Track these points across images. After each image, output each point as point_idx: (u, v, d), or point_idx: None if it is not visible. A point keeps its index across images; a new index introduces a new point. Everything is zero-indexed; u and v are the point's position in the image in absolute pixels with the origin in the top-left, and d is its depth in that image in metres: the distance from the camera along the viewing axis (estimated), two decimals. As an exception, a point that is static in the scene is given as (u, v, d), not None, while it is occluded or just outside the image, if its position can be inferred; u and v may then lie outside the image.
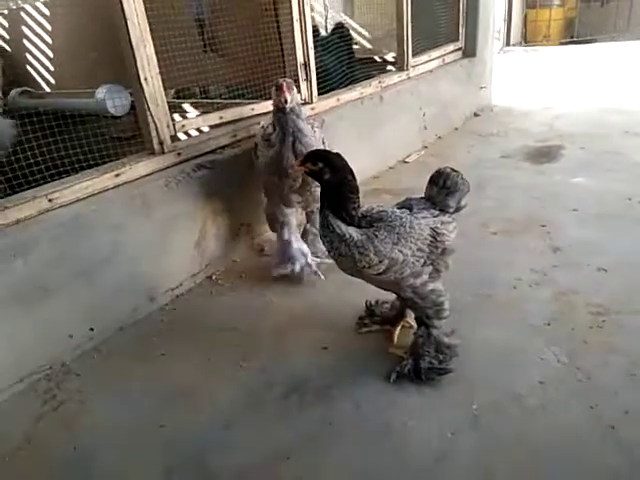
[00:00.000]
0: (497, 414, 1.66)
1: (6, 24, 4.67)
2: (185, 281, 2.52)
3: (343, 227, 1.69)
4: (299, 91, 3.13)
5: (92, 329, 2.18)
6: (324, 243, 1.75)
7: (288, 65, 3.15)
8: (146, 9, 2.27)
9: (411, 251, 1.72)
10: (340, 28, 4.40)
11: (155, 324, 2.29)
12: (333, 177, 1.69)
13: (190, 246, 2.52)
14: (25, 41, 4.57)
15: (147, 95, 2.29)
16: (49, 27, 4.34)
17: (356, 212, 1.71)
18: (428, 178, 1.88)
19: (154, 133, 2.36)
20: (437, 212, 1.81)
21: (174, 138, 2.48)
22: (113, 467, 1.62)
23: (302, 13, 3.00)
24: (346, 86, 3.72)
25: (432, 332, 1.86)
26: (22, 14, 4.52)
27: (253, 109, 2.89)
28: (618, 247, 2.56)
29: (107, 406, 1.86)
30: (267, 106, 2.95)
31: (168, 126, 2.44)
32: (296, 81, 3.13)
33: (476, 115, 5.27)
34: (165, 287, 2.44)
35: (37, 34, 4.35)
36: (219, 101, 3.00)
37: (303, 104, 3.17)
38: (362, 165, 3.67)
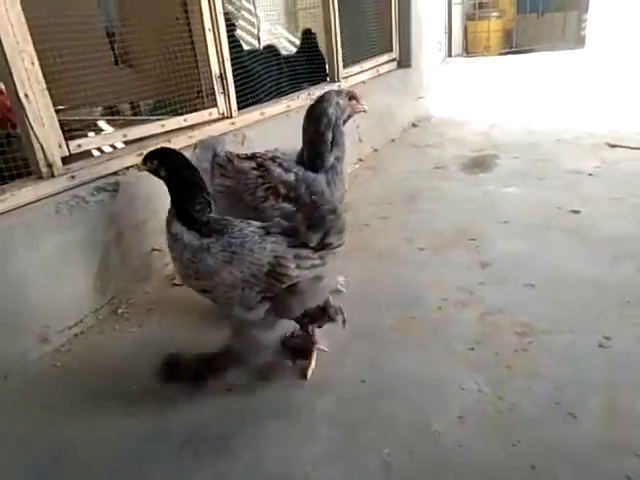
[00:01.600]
0: (410, 457, 1.50)
1: None
2: (85, 317, 2.27)
3: (179, 227, 1.65)
4: (215, 105, 2.95)
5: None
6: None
7: (203, 77, 2.96)
8: (27, 18, 2.05)
9: (242, 274, 1.56)
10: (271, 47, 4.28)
11: (46, 370, 2.03)
12: (170, 175, 1.71)
13: (89, 278, 2.27)
14: None
15: (29, 114, 2.05)
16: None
17: (200, 214, 1.67)
18: None
19: (40, 155, 2.12)
20: (297, 243, 1.61)
21: (67, 160, 2.24)
22: None
23: (215, 21, 2.82)
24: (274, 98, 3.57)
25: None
26: None
27: (164, 125, 2.68)
28: (547, 260, 2.48)
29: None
30: (180, 122, 2.77)
31: (60, 146, 2.20)
32: (212, 94, 2.95)
33: (414, 126, 5.22)
34: (61, 326, 2.18)
35: None
36: (124, 118, 2.78)
37: (221, 119, 3.00)
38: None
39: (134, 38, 3.04)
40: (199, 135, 2.85)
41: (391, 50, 4.91)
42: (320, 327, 1.88)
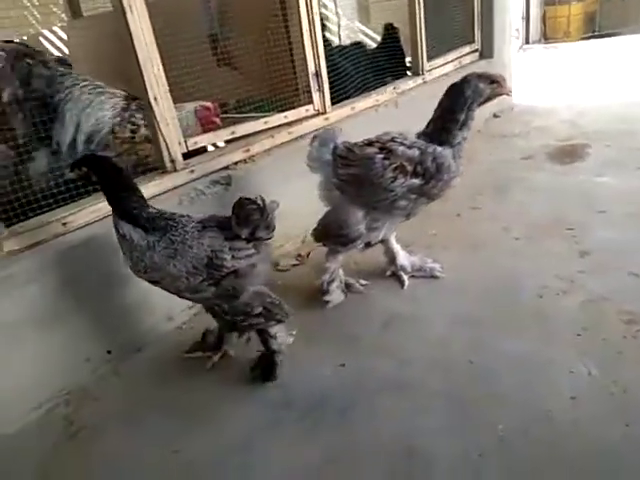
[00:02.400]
0: (525, 434, 1.57)
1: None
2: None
3: (126, 227, 1.77)
4: (311, 101, 3.10)
5: (109, 352, 2.16)
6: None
7: (300, 76, 3.11)
8: (154, 28, 2.27)
9: (185, 268, 1.76)
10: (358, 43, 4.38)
11: (172, 343, 2.26)
12: (100, 179, 1.78)
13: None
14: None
15: (157, 115, 2.28)
16: (66, 50, 4.42)
17: (139, 210, 1.78)
18: None
19: (165, 152, 2.35)
20: (232, 235, 1.80)
21: (186, 155, 2.47)
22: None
23: (312, 22, 2.96)
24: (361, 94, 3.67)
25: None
26: (40, 39, 4.63)
27: (266, 122, 2.86)
28: (650, 249, 2.44)
29: (124, 432, 1.83)
30: (281, 119, 2.93)
31: (180, 143, 2.43)
32: (308, 92, 3.10)
33: (496, 116, 5.14)
34: (182, 307, 2.41)
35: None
36: (236, 115, 2.98)
37: (316, 115, 3.14)
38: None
39: (234, 42, 3.24)
40: (298, 131, 3.02)
41: (473, 41, 4.87)
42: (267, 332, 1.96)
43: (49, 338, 1.97)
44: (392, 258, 2.47)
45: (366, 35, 6.13)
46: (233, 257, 1.79)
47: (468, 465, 1.51)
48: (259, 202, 1.79)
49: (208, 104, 2.77)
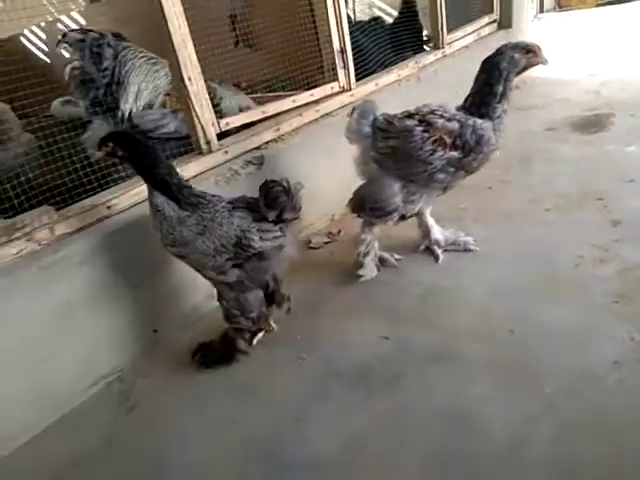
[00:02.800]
0: (573, 397, 1.62)
1: (44, 36, 4.79)
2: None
3: (160, 199, 1.81)
4: (336, 79, 3.10)
5: (156, 330, 2.23)
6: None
7: (324, 53, 3.11)
8: (185, 10, 2.28)
9: (214, 245, 1.81)
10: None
11: (215, 323, 2.32)
12: (128, 153, 1.80)
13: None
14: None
15: (192, 95, 2.31)
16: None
17: (171, 177, 1.82)
18: None
19: (200, 133, 2.39)
20: (260, 217, 1.87)
21: (219, 136, 2.50)
22: (192, 464, 1.66)
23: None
24: (383, 69, 3.67)
25: (228, 332, 2.02)
26: (58, 25, 4.63)
27: (294, 101, 2.87)
28: (684, 217, 2.45)
29: (179, 405, 1.91)
30: (307, 97, 2.95)
31: (213, 124, 2.46)
32: (333, 69, 3.10)
33: (517, 87, 5.09)
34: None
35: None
36: (262, 95, 3.00)
37: (341, 92, 3.15)
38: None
39: (256, 22, 3.24)
40: (324, 109, 3.04)
41: (492, 11, 4.81)
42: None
43: (100, 318, 2.04)
44: (426, 232, 2.51)
45: (379, 9, 6.06)
46: (261, 238, 1.85)
47: (519, 428, 1.56)
48: (284, 184, 1.85)
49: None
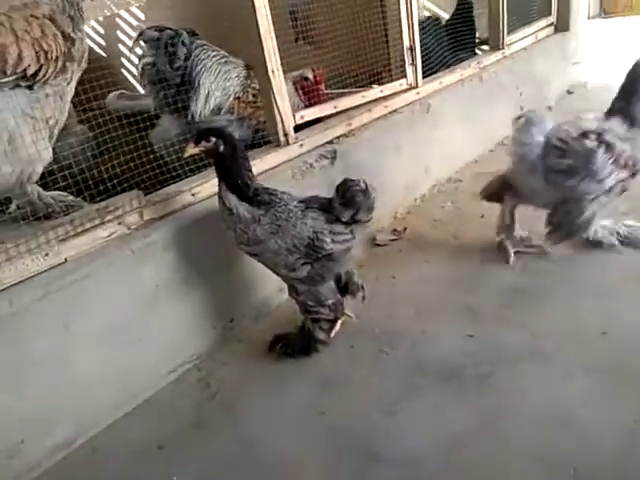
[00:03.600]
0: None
1: (102, 31, 4.86)
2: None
3: (233, 201, 1.80)
4: (405, 76, 3.08)
5: (232, 320, 2.23)
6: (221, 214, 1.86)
7: (393, 50, 3.10)
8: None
9: (286, 245, 1.81)
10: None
11: (287, 314, 2.31)
12: (227, 148, 1.79)
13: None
14: (121, 46, 4.76)
15: (274, 88, 2.31)
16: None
17: (251, 181, 1.83)
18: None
19: (280, 125, 2.38)
20: (333, 218, 1.85)
21: (295, 129, 2.50)
22: (284, 451, 1.65)
23: (408, -3, 2.93)
24: (446, 68, 3.63)
25: (306, 323, 2.00)
26: (117, 20, 4.70)
27: (364, 96, 2.86)
28: None
29: (262, 394, 1.90)
30: (377, 93, 2.93)
31: (291, 117, 2.45)
32: (402, 66, 3.08)
33: (569, 92, 5.02)
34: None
35: (132, 37, 4.50)
36: (334, 91, 2.99)
37: (409, 89, 3.13)
38: (463, 149, 3.60)
39: (321, 19, 3.23)
40: (392, 105, 3.02)
41: (549, 14, 4.74)
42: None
43: (180, 305, 2.05)
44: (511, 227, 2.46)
45: (427, 9, 6.01)
46: (332, 241, 1.84)
47: (625, 430, 1.51)
48: (362, 184, 1.84)
49: (308, 74, 2.79)
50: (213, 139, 1.79)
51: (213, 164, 1.88)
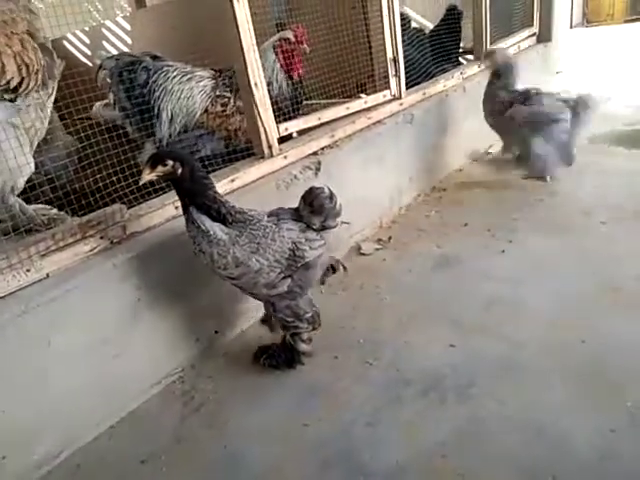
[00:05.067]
0: (657, 411, 1.60)
1: (87, 40, 4.87)
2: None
3: (208, 223, 1.73)
4: (388, 87, 3.11)
5: (217, 332, 2.23)
6: (191, 239, 1.79)
7: (376, 62, 3.13)
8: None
9: (267, 262, 1.78)
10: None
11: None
12: (184, 170, 1.69)
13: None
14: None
15: (257, 100, 2.33)
16: (129, 40, 4.50)
17: (220, 200, 1.76)
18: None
19: (263, 137, 2.40)
20: (304, 226, 1.87)
21: (279, 141, 2.51)
22: (267, 463, 1.65)
23: (391, 7, 2.97)
24: (430, 78, 3.68)
25: (286, 337, 2.00)
26: (103, 30, 4.71)
27: (348, 108, 2.89)
28: None
29: (245, 406, 1.90)
30: (361, 104, 2.96)
31: (274, 129, 2.47)
32: (385, 77, 3.12)
33: (551, 101, 5.08)
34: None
35: (118, 48, 4.51)
36: (316, 102, 3.01)
37: (392, 100, 3.16)
38: (447, 159, 3.64)
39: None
40: (376, 116, 3.05)
41: (532, 25, 4.82)
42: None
43: (163, 318, 2.05)
44: None
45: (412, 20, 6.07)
46: (310, 248, 1.86)
47: (602, 440, 1.53)
48: (327, 190, 1.87)
49: (288, 35, 2.75)
50: (170, 162, 1.67)
51: (174, 188, 1.78)
